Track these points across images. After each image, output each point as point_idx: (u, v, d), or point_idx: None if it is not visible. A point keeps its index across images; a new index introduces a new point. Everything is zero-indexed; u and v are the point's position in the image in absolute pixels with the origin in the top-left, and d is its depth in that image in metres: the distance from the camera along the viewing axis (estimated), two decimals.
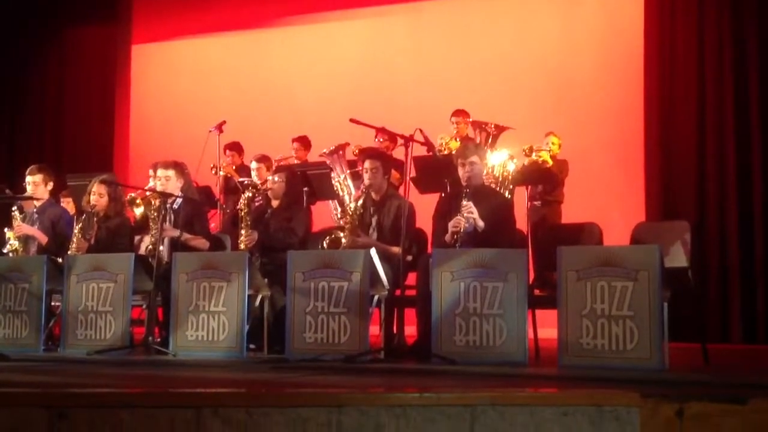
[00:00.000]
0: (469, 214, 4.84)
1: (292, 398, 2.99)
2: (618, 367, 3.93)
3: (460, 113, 6.95)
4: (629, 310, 4.03)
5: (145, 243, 5.58)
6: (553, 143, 6.91)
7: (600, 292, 4.09)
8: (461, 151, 5.36)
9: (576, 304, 4.13)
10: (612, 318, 4.06)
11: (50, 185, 6.08)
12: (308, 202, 6.13)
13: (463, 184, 5.06)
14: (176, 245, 5.42)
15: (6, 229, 5.86)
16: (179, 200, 5.65)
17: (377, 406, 2.88)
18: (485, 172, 5.62)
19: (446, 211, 5.10)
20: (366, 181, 5.40)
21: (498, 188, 5.89)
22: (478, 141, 6.45)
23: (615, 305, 4.05)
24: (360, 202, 5.32)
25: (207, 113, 7.94)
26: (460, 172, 5.10)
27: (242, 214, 5.58)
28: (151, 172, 6.31)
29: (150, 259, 5.27)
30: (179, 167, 5.71)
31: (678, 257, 4.76)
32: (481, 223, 4.86)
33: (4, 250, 5.77)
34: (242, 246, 5.46)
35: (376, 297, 4.90)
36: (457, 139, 6.68)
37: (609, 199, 7.49)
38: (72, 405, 2.97)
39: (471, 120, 6.88)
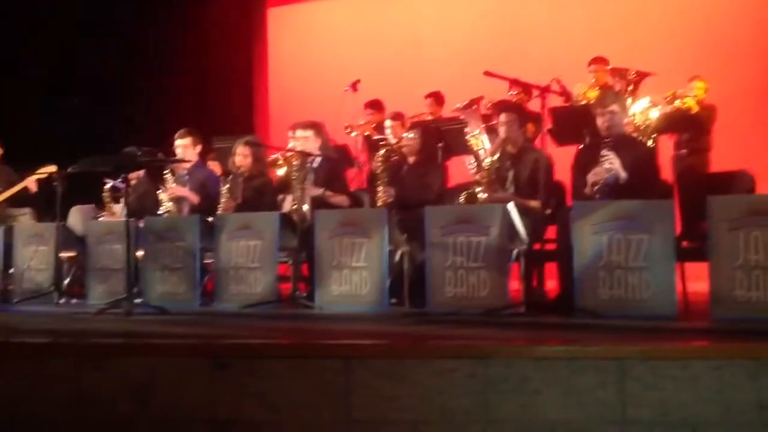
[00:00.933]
0: (611, 164, 4.72)
1: (438, 350, 3.04)
2: None
3: (598, 60, 6.72)
4: None
5: (288, 201, 5.77)
6: (698, 88, 6.57)
7: (754, 243, 3.91)
8: (600, 100, 5.20)
9: (728, 255, 3.96)
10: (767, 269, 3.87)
11: (198, 148, 6.36)
12: (443, 158, 6.13)
13: (603, 134, 4.93)
14: (318, 203, 5.57)
15: (160, 191, 6.20)
16: (318, 159, 5.79)
17: (523, 358, 2.89)
18: (626, 120, 5.43)
19: (585, 162, 4.98)
20: (502, 135, 5.35)
21: (640, 137, 5.69)
22: (617, 89, 6.24)
23: None
24: (496, 156, 5.27)
25: (342, 73, 8.04)
26: (600, 121, 4.96)
27: (378, 171, 5.67)
28: (290, 133, 6.49)
29: (293, 217, 5.46)
30: (317, 127, 5.85)
31: None
32: (623, 174, 4.72)
33: (160, 211, 6.11)
34: (380, 203, 5.55)
35: (515, 251, 4.87)
36: (596, 88, 6.48)
37: (760, 145, 7.08)
38: (230, 355, 3.14)
39: (610, 67, 6.64)
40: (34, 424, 3.04)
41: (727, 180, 5.04)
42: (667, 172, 5.30)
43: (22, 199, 7.30)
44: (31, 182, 7.15)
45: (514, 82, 6.62)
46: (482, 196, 5.08)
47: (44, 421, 3.04)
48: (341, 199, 5.71)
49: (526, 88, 6.54)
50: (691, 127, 6.39)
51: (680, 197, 5.02)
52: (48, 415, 3.04)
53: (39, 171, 6.89)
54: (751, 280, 3.90)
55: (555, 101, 6.34)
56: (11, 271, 6.28)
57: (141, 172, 6.49)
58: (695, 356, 2.83)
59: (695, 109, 6.35)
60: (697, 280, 4.70)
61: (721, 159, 6.49)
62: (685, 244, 4.73)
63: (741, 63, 7.33)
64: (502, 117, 5.36)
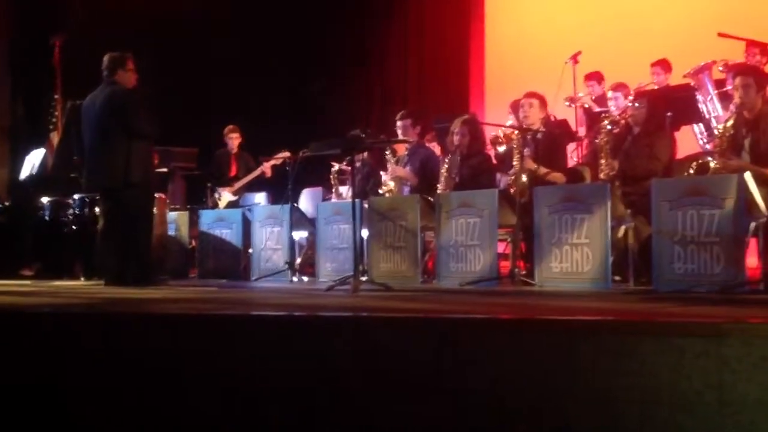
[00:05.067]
0: None
1: (667, 327, 2.89)
2: None
3: None
4: None
5: (505, 179, 5.75)
6: None
7: None
8: None
9: None
10: None
11: (418, 128, 6.51)
12: (671, 128, 5.81)
13: None
14: (534, 179, 5.49)
15: (382, 173, 6.41)
16: (540, 133, 5.70)
17: (763, 337, 2.68)
18: None
19: None
20: (737, 100, 4.97)
21: None
22: None
23: None
24: (730, 122, 4.91)
25: (561, 45, 7.85)
26: None
27: (601, 143, 5.48)
28: (509, 110, 6.46)
29: (511, 193, 5.42)
30: (541, 99, 5.78)
31: None
32: None
33: (382, 191, 6.32)
34: (602, 176, 5.37)
35: (752, 225, 4.52)
36: None
37: None
38: (454, 330, 3.20)
39: None
40: (310, 395, 3.26)
41: None
42: None
43: (258, 183, 7.88)
44: (267, 168, 7.69)
45: (751, 43, 6.14)
46: (715, 165, 4.75)
47: (326, 389, 3.25)
48: (557, 176, 5.60)
49: (764, 49, 6.05)
50: None
51: None
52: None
53: (275, 156, 7.39)
54: None
55: None
56: (250, 250, 6.79)
57: (364, 154, 6.75)
58: None
59: None
60: None
61: None
62: None
63: None
64: (738, 80, 4.99)
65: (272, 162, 7.49)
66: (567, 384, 2.92)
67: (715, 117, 5.88)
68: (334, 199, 6.82)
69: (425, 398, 3.11)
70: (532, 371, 2.97)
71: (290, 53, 9.49)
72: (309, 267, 6.70)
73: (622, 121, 5.70)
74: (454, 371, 3.10)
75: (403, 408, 3.12)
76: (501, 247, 5.87)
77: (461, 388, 3.07)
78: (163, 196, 6.84)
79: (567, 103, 7.17)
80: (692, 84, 6.10)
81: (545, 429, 2.95)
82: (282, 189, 6.84)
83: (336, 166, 6.85)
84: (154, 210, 6.28)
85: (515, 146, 5.54)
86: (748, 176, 4.35)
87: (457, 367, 3.11)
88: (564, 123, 6.79)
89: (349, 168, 5.88)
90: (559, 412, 2.92)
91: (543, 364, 2.97)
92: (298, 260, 6.67)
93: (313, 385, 3.24)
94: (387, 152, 6.36)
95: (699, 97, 5.99)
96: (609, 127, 5.50)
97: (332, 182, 6.92)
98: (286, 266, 6.30)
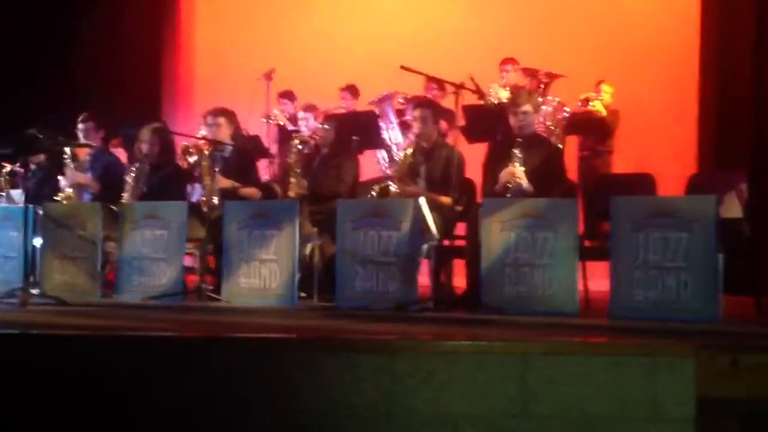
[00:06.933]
0: (517, 178, 4.76)
1: (345, 344, 3.03)
2: (671, 318, 3.90)
3: (509, 61, 6.84)
4: (683, 262, 3.99)
5: (197, 191, 5.64)
6: (605, 92, 6.77)
7: (653, 244, 4.05)
8: (513, 100, 5.27)
9: (629, 255, 4.09)
10: (665, 269, 4.01)
11: (101, 132, 6.14)
12: (357, 151, 6.12)
13: (515, 133, 5.00)
14: (228, 194, 5.46)
15: (60, 177, 5.95)
16: (229, 148, 5.67)
17: (430, 353, 2.91)
18: (537, 120, 5.53)
19: (496, 160, 5.05)
20: (415, 130, 5.36)
21: (549, 137, 5.81)
22: (528, 89, 6.35)
23: (669, 256, 4.01)
24: (409, 151, 5.29)
25: (256, 61, 7.91)
26: (512, 121, 5.03)
27: (291, 162, 5.60)
28: (203, 122, 6.35)
29: (202, 207, 5.34)
30: (229, 115, 5.72)
31: (733, 208, 4.68)
32: (528, 187, 4.76)
33: (59, 198, 5.86)
34: (292, 194, 5.49)
35: (425, 247, 4.90)
36: (507, 88, 6.59)
37: (662, 148, 7.34)
38: (134, 348, 3.06)
39: (521, 67, 6.77)
40: None
41: (630, 182, 5.21)
42: (573, 173, 5.43)
43: None
44: None
45: (430, 78, 6.66)
46: (394, 190, 5.07)
47: None
48: (252, 192, 5.62)
49: (440, 85, 6.57)
50: (596, 130, 6.58)
51: (583, 198, 5.16)
52: None
53: None
54: (649, 280, 4.04)
55: (469, 99, 6.41)
56: None
57: (41, 157, 6.24)
58: (594, 352, 2.90)
59: (603, 112, 6.55)
60: (598, 278, 4.84)
61: (623, 161, 6.71)
62: (587, 243, 4.86)
63: (644, 69, 7.58)
64: (416, 112, 5.38)
65: None
66: (253, 399, 2.94)
67: (395, 144, 6.28)
68: (3, 204, 6.20)
69: (102, 421, 2.95)
70: (217, 388, 2.95)
71: None
72: None
73: (312, 142, 5.89)
74: (134, 392, 2.98)
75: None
76: (189, 261, 5.74)
77: (141, 408, 2.95)
78: None
79: (264, 120, 7.24)
80: (376, 111, 6.47)
81: None
82: None
83: (7, 167, 6.25)
84: None
85: (205, 162, 5.45)
86: (422, 201, 4.71)
87: (137, 388, 2.98)
88: (256, 138, 6.85)
89: (22, 170, 5.40)
90: (245, 427, 2.92)
91: (229, 381, 2.96)
92: None
93: None
94: (66, 156, 5.91)
95: (382, 124, 6.36)
96: (299, 146, 5.65)
97: (2, 185, 6.30)
98: None
